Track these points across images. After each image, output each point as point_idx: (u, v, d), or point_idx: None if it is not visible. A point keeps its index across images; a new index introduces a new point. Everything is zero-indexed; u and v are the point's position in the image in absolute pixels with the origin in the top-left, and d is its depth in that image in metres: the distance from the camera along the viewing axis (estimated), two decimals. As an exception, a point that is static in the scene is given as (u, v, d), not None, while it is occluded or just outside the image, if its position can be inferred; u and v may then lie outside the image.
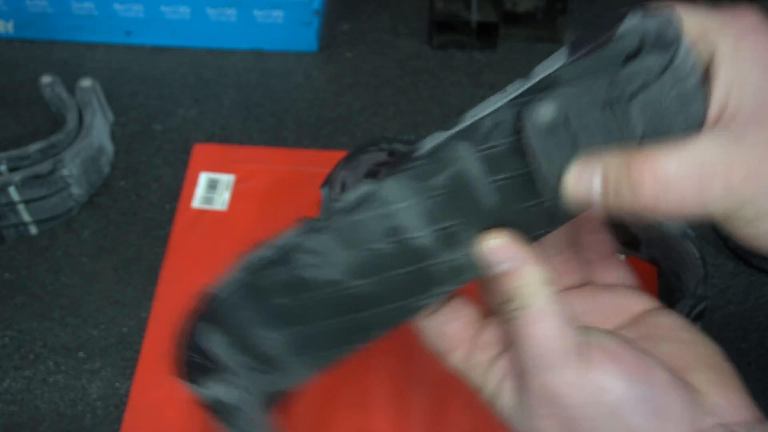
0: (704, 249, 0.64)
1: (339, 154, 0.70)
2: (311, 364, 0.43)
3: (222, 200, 0.73)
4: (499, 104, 0.38)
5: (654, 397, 0.39)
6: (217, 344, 0.41)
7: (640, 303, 0.45)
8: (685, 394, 0.40)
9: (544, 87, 0.37)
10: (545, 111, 0.37)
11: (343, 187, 0.69)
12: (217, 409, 0.41)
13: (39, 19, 0.82)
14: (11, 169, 0.70)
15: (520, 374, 0.41)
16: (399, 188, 0.39)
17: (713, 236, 0.68)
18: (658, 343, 0.42)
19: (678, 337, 0.43)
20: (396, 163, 0.38)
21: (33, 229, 0.72)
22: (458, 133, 0.38)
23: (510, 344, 0.41)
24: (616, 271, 0.46)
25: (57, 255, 0.71)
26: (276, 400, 0.44)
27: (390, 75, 0.81)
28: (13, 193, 0.69)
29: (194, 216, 0.72)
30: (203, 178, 0.74)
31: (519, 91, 0.37)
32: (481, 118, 0.38)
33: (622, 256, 0.68)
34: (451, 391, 0.62)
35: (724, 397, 0.40)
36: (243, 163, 0.74)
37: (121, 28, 0.82)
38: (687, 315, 0.61)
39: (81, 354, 0.66)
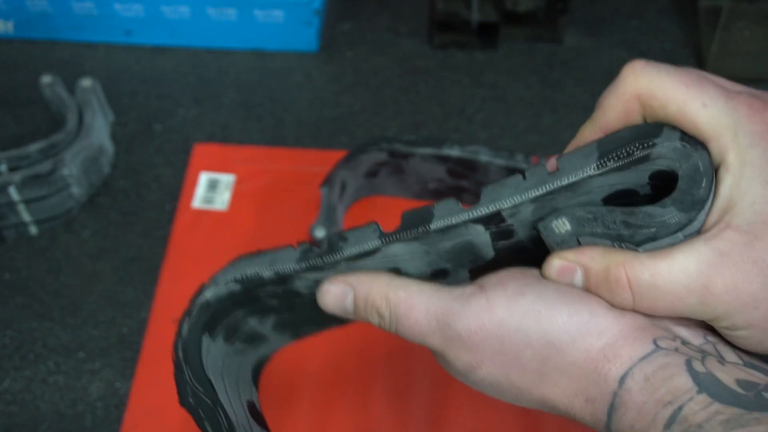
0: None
1: (339, 154, 0.70)
2: (291, 336, 0.46)
3: (222, 200, 0.72)
4: (519, 200, 0.38)
5: (574, 293, 0.38)
6: (208, 350, 0.43)
7: None
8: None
9: (570, 188, 0.38)
10: (560, 224, 0.38)
11: (343, 187, 0.69)
12: None
13: (39, 19, 0.82)
14: (11, 169, 0.70)
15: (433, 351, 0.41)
16: (407, 249, 0.40)
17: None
18: None
19: None
20: (405, 225, 0.39)
21: (33, 229, 0.71)
22: (475, 219, 0.39)
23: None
24: None
25: (57, 255, 0.71)
26: (261, 366, 0.47)
27: (390, 75, 0.81)
28: (13, 193, 0.69)
29: (194, 216, 0.72)
30: (203, 178, 0.74)
31: (542, 191, 0.38)
32: (501, 210, 0.38)
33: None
34: (451, 391, 0.62)
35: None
36: (243, 163, 0.74)
37: (121, 28, 0.82)
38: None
39: (81, 354, 0.66)
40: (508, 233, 0.39)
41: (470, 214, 0.38)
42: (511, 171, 0.66)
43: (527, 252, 0.40)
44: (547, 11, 0.80)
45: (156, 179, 0.75)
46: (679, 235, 0.36)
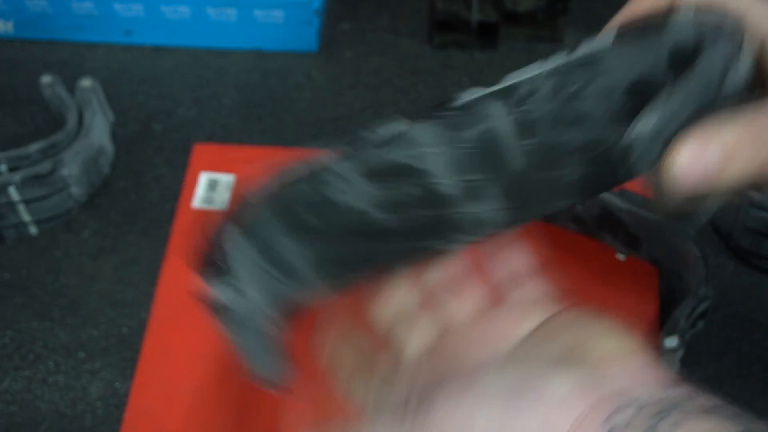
0: (705, 249, 0.64)
1: (339, 154, 0.70)
2: (330, 283, 0.42)
3: (222, 200, 0.72)
4: (538, 72, 0.38)
5: (528, 397, 0.37)
6: (239, 248, 0.41)
7: (541, 312, 0.43)
8: (566, 373, 0.37)
9: (587, 63, 0.37)
10: (647, 123, 0.37)
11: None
12: (221, 315, 0.41)
13: (39, 19, 0.82)
14: (11, 169, 0.70)
15: None
16: (430, 133, 0.39)
17: (714, 236, 0.68)
18: (555, 338, 0.40)
19: (571, 326, 0.40)
20: (430, 109, 0.39)
21: (33, 229, 0.71)
22: (494, 92, 0.38)
23: None
24: (528, 287, 0.45)
25: (57, 255, 0.71)
26: (290, 310, 0.43)
27: (390, 75, 0.81)
28: (13, 193, 0.69)
29: (194, 216, 0.72)
30: (203, 178, 0.74)
31: (559, 63, 0.38)
32: (519, 83, 0.38)
33: (623, 256, 0.67)
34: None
35: (623, 364, 0.37)
36: (243, 163, 0.74)
37: (121, 28, 0.82)
38: (689, 315, 0.61)
39: (81, 354, 0.66)
40: (530, 125, 0.38)
41: (491, 88, 0.38)
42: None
43: (556, 163, 0.39)
44: (547, 11, 0.80)
45: (156, 179, 0.75)
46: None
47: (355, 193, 0.40)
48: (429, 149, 0.39)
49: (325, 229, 0.41)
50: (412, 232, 0.41)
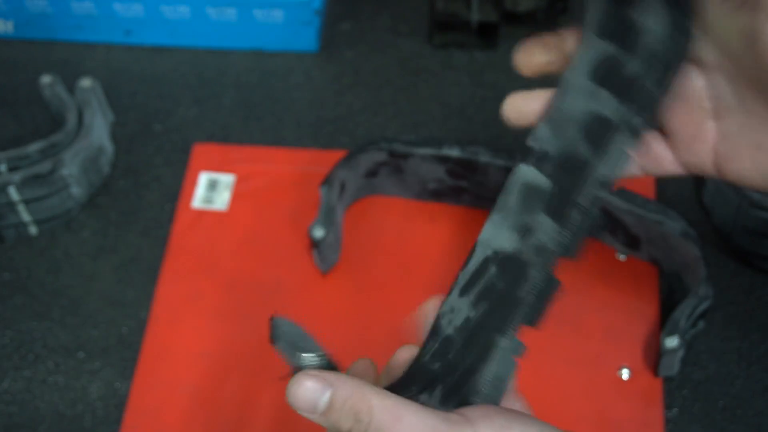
0: (705, 249, 0.64)
1: (339, 154, 0.70)
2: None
3: (222, 200, 0.72)
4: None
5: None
6: None
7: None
8: None
9: (550, 120, 0.48)
10: None
11: (343, 187, 0.69)
12: None
13: (39, 19, 0.82)
14: (11, 169, 0.70)
15: None
16: (492, 226, 0.46)
17: (714, 236, 0.68)
18: None
19: None
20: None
21: (33, 229, 0.71)
22: (520, 160, 0.47)
23: None
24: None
25: (57, 255, 0.71)
26: None
27: (390, 74, 0.81)
28: (13, 193, 0.69)
29: (194, 216, 0.72)
30: (203, 178, 0.74)
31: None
32: (532, 146, 0.47)
33: (623, 256, 0.67)
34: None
35: None
36: (243, 163, 0.74)
37: (121, 28, 0.82)
38: (689, 315, 0.61)
39: (81, 354, 0.66)
40: (545, 160, 0.46)
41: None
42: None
43: (576, 162, 0.46)
44: (547, 11, 0.80)
45: (156, 179, 0.75)
46: None
47: (459, 314, 0.45)
48: (495, 241, 0.46)
49: (444, 365, 0.44)
50: (499, 309, 0.45)
